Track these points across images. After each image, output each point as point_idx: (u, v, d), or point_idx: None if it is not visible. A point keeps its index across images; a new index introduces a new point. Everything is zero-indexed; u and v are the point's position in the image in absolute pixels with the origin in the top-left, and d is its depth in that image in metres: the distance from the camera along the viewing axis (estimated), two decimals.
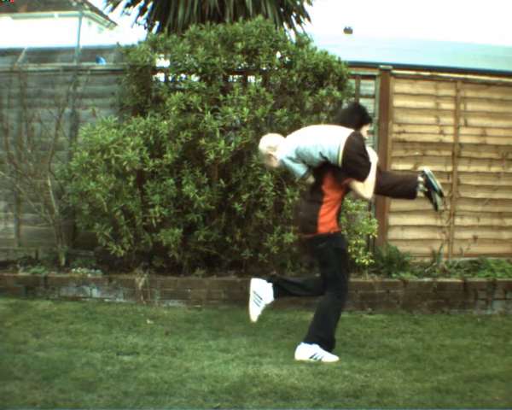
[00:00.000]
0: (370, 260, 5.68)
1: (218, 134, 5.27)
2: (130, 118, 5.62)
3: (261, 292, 4.32)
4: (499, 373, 3.85)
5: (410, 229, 6.35)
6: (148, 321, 4.90)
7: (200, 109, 5.34)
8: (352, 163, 3.97)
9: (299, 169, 4.11)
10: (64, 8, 24.60)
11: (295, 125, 5.53)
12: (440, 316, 5.39)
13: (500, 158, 6.49)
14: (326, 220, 4.05)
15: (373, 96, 6.28)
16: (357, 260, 5.65)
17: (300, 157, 4.08)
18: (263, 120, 5.48)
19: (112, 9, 7.16)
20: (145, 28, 7.18)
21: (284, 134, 5.51)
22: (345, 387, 3.58)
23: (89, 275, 5.56)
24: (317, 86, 5.69)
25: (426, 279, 5.67)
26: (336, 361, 4.03)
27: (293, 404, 3.35)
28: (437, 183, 4.16)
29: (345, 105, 4.24)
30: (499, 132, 6.50)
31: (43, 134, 6.05)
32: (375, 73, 6.35)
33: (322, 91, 5.53)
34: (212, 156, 5.22)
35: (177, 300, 5.46)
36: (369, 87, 6.29)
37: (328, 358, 4.06)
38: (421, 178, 4.17)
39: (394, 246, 6.10)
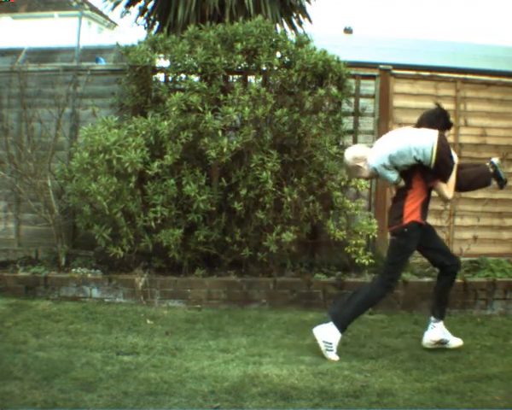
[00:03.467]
0: (370, 260, 5.67)
1: (220, 133, 5.28)
2: (131, 118, 5.62)
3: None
4: (499, 373, 3.85)
5: None
6: (148, 321, 4.90)
7: (201, 109, 5.34)
8: (443, 163, 4.07)
9: (393, 175, 4.16)
10: (64, 8, 24.59)
11: (295, 125, 5.54)
12: None
13: (500, 158, 6.47)
14: (410, 210, 4.13)
15: (373, 96, 6.28)
16: (357, 260, 5.65)
17: (393, 162, 4.12)
18: (263, 119, 5.48)
19: (112, 9, 7.17)
20: (145, 28, 7.18)
21: (283, 134, 5.57)
22: (345, 387, 3.58)
23: (89, 275, 5.56)
24: (317, 86, 5.69)
25: (426, 279, 5.66)
26: (337, 361, 4.04)
27: (293, 404, 3.35)
28: (503, 172, 4.34)
29: (428, 110, 4.33)
30: (499, 132, 6.50)
31: (43, 134, 6.05)
32: (375, 73, 6.35)
33: (321, 91, 5.53)
34: (213, 154, 5.22)
35: (177, 300, 5.46)
36: (369, 87, 6.28)
37: (332, 356, 4.08)
38: (491, 170, 4.31)
39: None
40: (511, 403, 3.40)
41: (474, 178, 4.36)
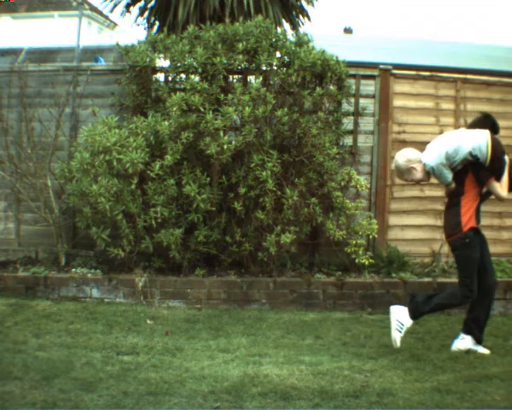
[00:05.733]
0: (370, 260, 5.68)
1: (221, 133, 5.28)
2: (131, 118, 5.63)
3: None
4: (499, 373, 3.84)
5: (409, 229, 6.34)
6: (148, 321, 4.90)
7: (202, 109, 5.34)
8: (498, 160, 4.13)
9: (449, 175, 4.18)
10: (64, 8, 24.62)
11: (295, 125, 5.54)
12: (440, 316, 5.37)
13: None
14: (468, 217, 4.16)
15: (373, 96, 6.27)
16: (357, 260, 5.65)
17: (449, 160, 4.14)
18: (263, 119, 5.48)
19: (112, 10, 7.18)
20: (145, 28, 7.20)
21: (283, 134, 5.57)
22: (345, 387, 3.58)
23: (89, 275, 5.56)
24: (317, 86, 5.69)
25: (426, 279, 5.67)
26: (399, 342, 4.15)
27: (293, 404, 3.35)
28: None
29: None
30: (499, 132, 6.48)
31: (43, 134, 6.05)
32: (375, 73, 6.35)
33: (320, 90, 5.53)
34: (213, 151, 5.22)
35: (177, 300, 5.46)
36: (369, 87, 6.28)
37: (398, 337, 4.16)
38: None
39: (394, 246, 6.09)
40: (511, 403, 3.40)
41: None
